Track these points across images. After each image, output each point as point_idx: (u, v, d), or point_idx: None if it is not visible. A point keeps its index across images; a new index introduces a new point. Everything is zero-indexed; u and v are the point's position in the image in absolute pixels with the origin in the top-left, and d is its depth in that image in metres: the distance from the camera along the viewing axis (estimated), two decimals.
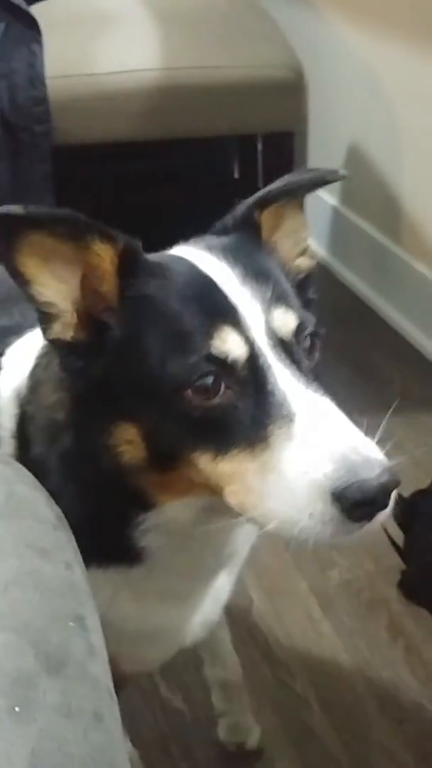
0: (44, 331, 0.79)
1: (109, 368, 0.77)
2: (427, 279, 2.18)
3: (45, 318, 0.78)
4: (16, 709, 0.54)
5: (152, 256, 0.81)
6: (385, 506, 0.71)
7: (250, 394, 0.74)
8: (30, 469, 0.84)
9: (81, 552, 0.84)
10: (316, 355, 0.80)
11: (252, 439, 0.73)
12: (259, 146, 2.14)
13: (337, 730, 1.37)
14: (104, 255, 0.76)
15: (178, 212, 2.43)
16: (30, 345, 0.93)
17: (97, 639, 0.66)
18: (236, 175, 2.41)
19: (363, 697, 1.42)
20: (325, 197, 2.62)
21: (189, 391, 0.73)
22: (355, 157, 2.43)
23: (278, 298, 0.78)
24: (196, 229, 3.01)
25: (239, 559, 0.98)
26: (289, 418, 0.72)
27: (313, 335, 0.80)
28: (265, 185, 2.24)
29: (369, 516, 0.71)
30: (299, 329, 0.78)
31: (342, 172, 0.93)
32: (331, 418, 0.73)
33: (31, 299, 0.77)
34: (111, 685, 0.66)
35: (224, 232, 0.87)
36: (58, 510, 0.75)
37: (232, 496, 0.75)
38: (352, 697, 1.42)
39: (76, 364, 0.79)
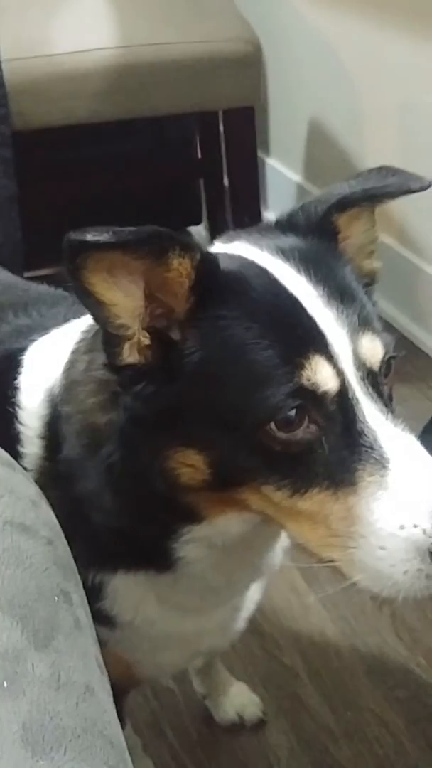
0: (112, 357, 0.72)
1: (182, 395, 0.71)
2: (390, 249, 2.19)
3: (114, 342, 0.71)
4: (5, 684, 0.54)
5: (225, 262, 0.72)
6: None
7: (336, 430, 0.69)
8: (60, 469, 0.82)
9: (111, 557, 0.84)
10: (391, 377, 0.75)
11: (337, 480, 0.69)
12: (221, 126, 2.13)
13: (327, 699, 1.38)
14: (180, 269, 0.69)
15: (142, 195, 2.42)
16: (57, 343, 0.88)
17: (84, 613, 0.66)
18: (199, 155, 2.40)
19: (351, 665, 1.43)
20: (288, 173, 2.62)
21: (271, 425, 0.68)
22: (317, 132, 2.43)
23: (365, 323, 0.72)
24: (162, 212, 2.99)
25: (271, 570, 0.95)
26: (381, 464, 0.68)
27: (392, 358, 0.74)
28: (228, 164, 2.23)
29: None
30: (384, 357, 0.73)
31: (427, 179, 0.83)
32: (424, 465, 0.68)
33: (102, 321, 0.70)
34: (100, 657, 0.66)
35: (293, 229, 0.79)
36: (37, 488, 0.74)
37: (304, 535, 0.72)
38: (341, 665, 1.43)
39: (146, 390, 0.72)
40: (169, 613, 0.88)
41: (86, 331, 0.84)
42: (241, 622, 0.98)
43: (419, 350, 2.13)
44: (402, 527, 0.66)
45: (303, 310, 0.70)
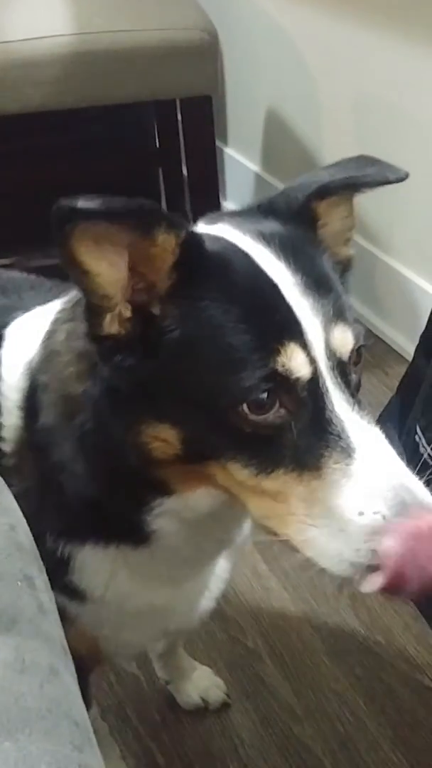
0: (93, 327, 0.73)
1: (159, 371, 0.73)
2: None
3: (96, 312, 0.72)
4: None
5: (209, 243, 0.73)
6: None
7: (305, 416, 0.71)
8: (36, 438, 0.84)
9: (82, 527, 0.85)
10: (360, 367, 0.77)
11: (302, 463, 0.70)
12: (179, 115, 2.13)
13: (289, 679, 1.41)
14: (166, 245, 0.69)
15: (100, 184, 2.41)
16: (38, 319, 0.89)
17: (47, 598, 0.67)
18: (157, 145, 2.39)
19: (312, 645, 1.46)
20: (247, 163, 2.63)
21: (244, 406, 0.70)
22: (274, 121, 2.44)
23: (339, 314, 0.74)
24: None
25: (236, 547, 0.97)
26: (347, 453, 0.69)
27: (362, 348, 0.76)
28: (186, 153, 2.23)
29: None
30: (354, 347, 0.74)
31: (404, 171, 0.85)
32: (386, 455, 0.70)
33: (86, 291, 0.71)
34: (64, 641, 0.66)
35: (273, 214, 0.80)
36: None
37: (262, 511, 0.74)
38: (302, 646, 1.46)
39: (124, 362, 0.73)
40: (141, 587, 0.89)
41: (67, 302, 0.86)
42: (209, 601, 1.00)
43: (376, 338, 2.16)
44: (361, 513, 0.68)
45: (282, 297, 0.72)
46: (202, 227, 0.79)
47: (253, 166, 2.60)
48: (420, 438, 1.44)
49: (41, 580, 0.67)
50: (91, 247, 0.68)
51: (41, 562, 0.70)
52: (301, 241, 0.78)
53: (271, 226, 0.78)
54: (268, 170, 2.55)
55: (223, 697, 1.36)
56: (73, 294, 0.84)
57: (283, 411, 0.70)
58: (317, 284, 0.73)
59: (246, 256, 0.74)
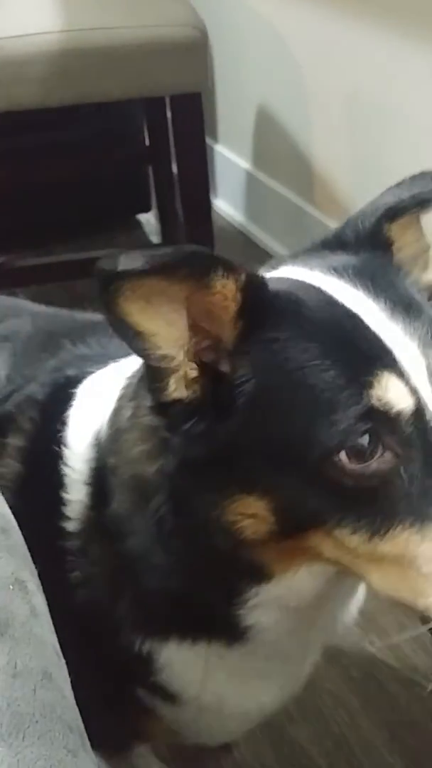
0: (157, 393, 0.65)
1: (237, 432, 0.64)
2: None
3: (157, 376, 0.64)
4: None
5: (273, 283, 0.66)
6: None
7: (416, 457, 0.61)
8: (107, 524, 0.75)
9: (165, 622, 0.75)
10: None
11: (423, 515, 0.61)
12: (168, 112, 2.12)
13: None
14: (225, 291, 0.62)
15: (90, 182, 2.40)
16: (112, 379, 0.80)
17: (40, 601, 0.65)
18: (147, 142, 2.39)
19: None
20: (238, 161, 2.62)
21: (341, 455, 0.60)
22: (264, 118, 2.43)
23: None
24: (111, 199, 2.95)
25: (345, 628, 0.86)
26: None
27: None
28: (176, 151, 2.22)
29: None
30: None
31: None
32: None
33: (143, 354, 0.63)
34: (57, 645, 0.65)
35: (341, 246, 0.73)
36: None
37: (389, 583, 0.64)
38: None
39: (196, 428, 0.64)
40: (242, 687, 0.80)
41: (132, 377, 0.77)
42: (298, 688, 0.90)
43: None
44: None
45: (365, 325, 0.63)
46: (264, 273, 0.72)
47: (244, 164, 2.59)
48: None
49: (33, 583, 0.66)
50: (143, 306, 0.60)
51: (33, 566, 0.69)
52: (378, 267, 0.70)
53: (342, 258, 0.70)
54: (259, 167, 2.54)
55: None
56: (138, 367, 0.75)
57: (388, 455, 0.61)
58: (405, 308, 0.65)
59: (318, 291, 0.66)
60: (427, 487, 0.61)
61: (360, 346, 0.63)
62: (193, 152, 1.88)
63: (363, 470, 0.60)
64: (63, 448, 0.79)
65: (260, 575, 0.68)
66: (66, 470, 0.79)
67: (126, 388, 0.77)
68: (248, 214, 2.61)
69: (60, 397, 0.83)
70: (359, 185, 2.13)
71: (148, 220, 2.62)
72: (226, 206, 2.70)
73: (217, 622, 0.73)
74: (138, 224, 2.66)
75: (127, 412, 0.75)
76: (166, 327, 0.62)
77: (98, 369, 0.84)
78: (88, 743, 0.57)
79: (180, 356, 0.63)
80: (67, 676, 0.63)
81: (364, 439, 0.60)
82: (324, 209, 2.26)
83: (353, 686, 1.39)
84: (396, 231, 0.73)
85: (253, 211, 2.59)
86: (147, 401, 0.69)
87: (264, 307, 0.64)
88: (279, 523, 0.64)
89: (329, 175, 2.23)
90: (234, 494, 0.64)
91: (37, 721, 0.53)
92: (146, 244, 2.53)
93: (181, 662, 0.77)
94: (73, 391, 0.83)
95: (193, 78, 1.75)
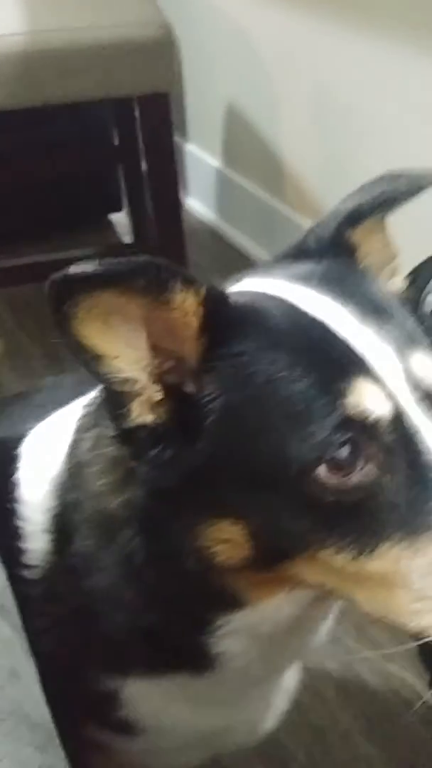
0: (120, 420, 0.60)
1: (207, 454, 0.60)
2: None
3: (119, 401, 0.60)
4: None
5: (234, 296, 0.63)
6: None
7: (399, 466, 0.57)
8: (72, 564, 0.71)
9: (130, 659, 0.72)
10: None
11: (411, 528, 0.57)
12: (137, 111, 2.12)
13: None
14: (186, 307, 0.58)
15: (61, 183, 2.39)
16: (58, 425, 0.76)
17: (7, 599, 0.66)
18: (117, 142, 2.38)
19: None
20: (208, 159, 2.63)
21: (320, 470, 0.56)
22: (234, 117, 2.44)
23: (413, 339, 0.62)
24: (83, 200, 2.93)
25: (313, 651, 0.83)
26: None
27: None
28: (145, 150, 2.21)
29: None
30: None
31: None
32: None
33: (103, 379, 0.59)
34: (25, 645, 0.66)
35: (305, 255, 0.70)
36: None
37: (379, 604, 0.60)
38: None
39: (164, 455, 0.60)
40: (199, 713, 0.77)
41: (89, 405, 0.73)
42: (272, 718, 0.87)
43: None
44: None
45: (334, 332, 0.60)
46: (227, 287, 0.69)
47: (215, 162, 2.60)
48: None
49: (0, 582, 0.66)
50: (100, 327, 0.56)
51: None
52: (344, 272, 0.67)
53: (306, 266, 0.67)
54: (229, 166, 2.55)
55: None
56: (95, 395, 0.72)
57: (370, 466, 0.57)
58: (376, 312, 0.62)
59: (281, 300, 0.63)
60: (413, 497, 0.57)
61: (330, 353, 0.59)
62: (161, 152, 1.88)
63: (344, 484, 0.56)
64: (16, 505, 0.75)
65: (234, 603, 0.65)
66: (22, 524, 0.75)
67: (84, 417, 0.73)
68: (220, 212, 2.61)
69: (1, 458, 0.78)
70: (329, 182, 2.14)
71: (120, 220, 2.61)
72: (198, 205, 2.71)
73: (184, 653, 0.70)
74: (110, 224, 2.65)
75: (88, 444, 0.71)
76: (126, 348, 0.58)
77: (37, 423, 0.80)
78: (57, 740, 0.58)
79: (142, 379, 0.60)
80: (36, 674, 0.64)
81: (343, 451, 0.57)
82: (295, 206, 2.28)
83: (330, 678, 1.40)
84: (359, 236, 0.71)
85: (225, 210, 2.59)
86: (108, 430, 0.64)
87: (227, 321, 0.60)
88: (256, 549, 0.60)
89: (299, 172, 2.24)
90: (207, 519, 0.61)
91: (3, 719, 0.54)
92: (118, 245, 2.53)
93: (144, 695, 0.74)
94: (17, 449, 0.78)
95: (160, 78, 1.75)
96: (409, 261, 1.45)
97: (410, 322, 0.65)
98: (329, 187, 2.15)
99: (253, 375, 0.59)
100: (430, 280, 1.35)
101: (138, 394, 0.60)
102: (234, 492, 0.60)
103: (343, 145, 2.05)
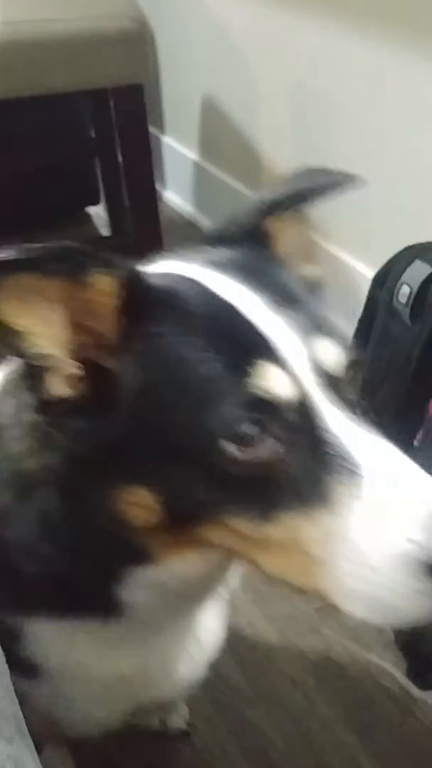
0: (38, 392, 0.64)
1: (123, 426, 0.63)
2: None
3: (38, 375, 0.63)
4: None
5: (153, 278, 0.67)
6: None
7: (300, 443, 0.62)
8: None
9: (37, 601, 0.75)
10: (359, 384, 0.68)
11: (308, 498, 0.61)
12: (111, 103, 2.11)
13: (242, 666, 1.41)
14: (104, 288, 0.62)
15: (38, 176, 2.38)
16: None
17: None
18: (93, 134, 2.37)
19: (263, 630, 1.47)
20: (185, 152, 2.62)
21: (226, 444, 0.61)
22: (211, 110, 2.44)
23: (319, 326, 0.66)
24: (60, 193, 2.92)
25: (219, 604, 0.89)
26: (353, 472, 0.60)
27: (357, 363, 0.68)
28: (121, 143, 2.20)
29: None
30: (345, 361, 0.66)
31: (358, 177, 0.79)
32: (404, 469, 0.60)
33: (20, 353, 0.62)
34: None
35: (223, 242, 0.73)
36: None
37: (279, 567, 0.64)
38: (254, 633, 1.46)
39: (81, 427, 0.64)
40: (104, 657, 0.80)
41: (13, 372, 0.76)
42: (194, 669, 0.90)
43: None
44: (391, 544, 0.58)
45: (245, 317, 0.64)
46: (144, 269, 0.72)
47: (192, 155, 2.59)
48: None
49: None
50: (19, 305, 0.60)
51: None
52: (257, 260, 0.71)
53: (223, 252, 0.71)
54: (206, 158, 2.55)
55: (183, 726, 1.31)
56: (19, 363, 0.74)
57: (273, 442, 0.61)
58: (285, 299, 0.66)
59: (198, 284, 0.67)
60: (311, 472, 0.61)
61: (240, 337, 0.63)
62: (137, 144, 1.88)
63: (249, 458, 0.61)
64: None
65: (146, 559, 0.69)
66: None
67: (7, 384, 0.76)
68: (197, 204, 2.61)
69: None
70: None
71: (98, 212, 2.60)
72: (175, 197, 2.70)
73: (91, 599, 0.74)
74: (87, 217, 2.64)
75: (10, 409, 0.74)
76: (44, 326, 0.62)
77: None
78: (25, 730, 0.58)
79: (61, 355, 0.63)
80: (4, 665, 0.63)
81: (248, 428, 0.61)
82: None
83: (310, 668, 1.41)
84: (276, 227, 0.74)
85: (202, 202, 2.59)
86: (29, 398, 0.67)
87: (145, 303, 0.64)
88: (168, 513, 0.64)
89: (276, 165, 2.24)
90: (123, 485, 0.65)
91: None
92: (96, 237, 2.52)
93: (49, 634, 0.78)
94: None
95: (134, 70, 1.75)
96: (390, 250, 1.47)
97: (318, 310, 0.68)
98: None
99: (168, 354, 0.63)
100: (403, 271, 1.36)
101: (56, 369, 0.63)
102: (148, 462, 0.64)
103: (319, 138, 2.05)
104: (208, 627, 0.89)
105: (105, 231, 2.53)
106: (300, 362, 0.63)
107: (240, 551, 0.65)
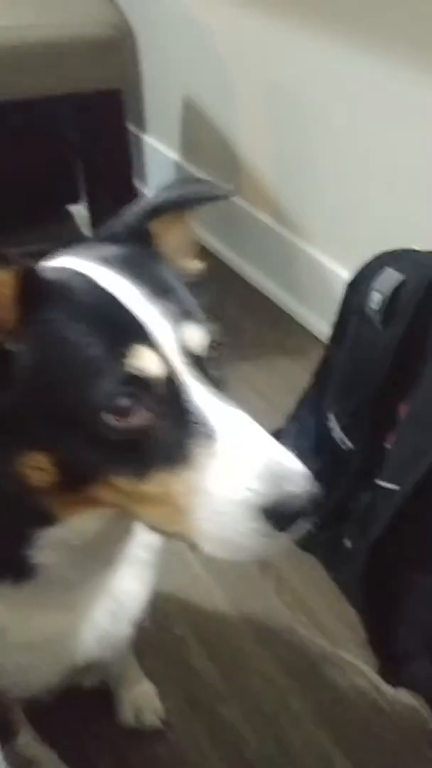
0: None
1: (20, 399, 0.73)
2: (267, 227, 2.25)
3: None
4: None
5: (48, 273, 0.77)
6: (312, 513, 0.72)
7: (168, 413, 0.73)
8: None
9: None
10: (222, 362, 0.79)
11: (174, 459, 0.72)
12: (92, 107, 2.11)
13: (216, 663, 1.44)
14: (3, 280, 0.73)
15: (20, 175, 2.39)
16: None
17: None
18: (75, 136, 2.38)
19: (238, 629, 1.50)
20: (167, 152, 2.64)
21: (106, 415, 0.71)
22: (191, 111, 2.45)
23: (186, 313, 0.77)
24: (42, 191, 2.91)
25: (139, 567, 0.97)
26: (209, 436, 0.71)
27: (219, 345, 0.79)
28: (100, 145, 2.20)
29: (298, 524, 0.72)
30: (209, 343, 0.77)
31: (232, 188, 0.89)
32: (251, 432, 0.72)
33: None
34: None
35: (112, 239, 0.84)
36: None
37: (154, 517, 0.75)
38: (229, 630, 1.49)
39: None
40: (25, 618, 0.88)
41: None
42: (120, 627, 0.98)
43: (297, 324, 2.21)
44: (234, 491, 0.70)
45: (124, 306, 0.75)
46: (46, 263, 0.82)
47: (173, 155, 2.61)
48: (333, 425, 1.48)
49: None
50: None
51: None
52: (140, 257, 0.81)
53: (111, 249, 0.81)
54: (188, 159, 2.57)
55: (157, 723, 1.34)
56: None
57: (146, 413, 0.72)
58: (161, 291, 0.77)
59: (86, 278, 0.77)
60: (177, 437, 0.72)
61: (120, 323, 0.74)
62: (115, 147, 1.90)
63: (125, 426, 0.71)
64: None
65: (49, 520, 0.79)
66: None
67: None
68: None
69: None
70: (282, 176, 2.17)
71: (79, 210, 2.61)
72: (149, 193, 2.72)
73: (4, 563, 0.82)
74: (69, 215, 2.65)
75: None
76: None
77: None
78: None
79: None
80: None
81: (124, 401, 0.71)
82: (250, 199, 2.30)
83: (282, 665, 1.44)
84: (157, 227, 0.84)
85: None
86: None
87: (39, 294, 0.74)
88: (62, 475, 0.74)
89: (254, 166, 2.26)
90: (22, 450, 0.74)
91: None
92: (77, 235, 2.54)
93: None
94: None
95: (112, 75, 1.76)
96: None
97: (188, 299, 0.80)
98: (282, 180, 2.17)
99: (57, 338, 0.73)
100: (375, 278, 1.39)
101: None
102: (42, 430, 0.74)
103: (295, 139, 2.07)
104: (128, 588, 0.97)
105: (86, 229, 2.54)
106: (169, 344, 0.74)
107: (124, 506, 0.76)
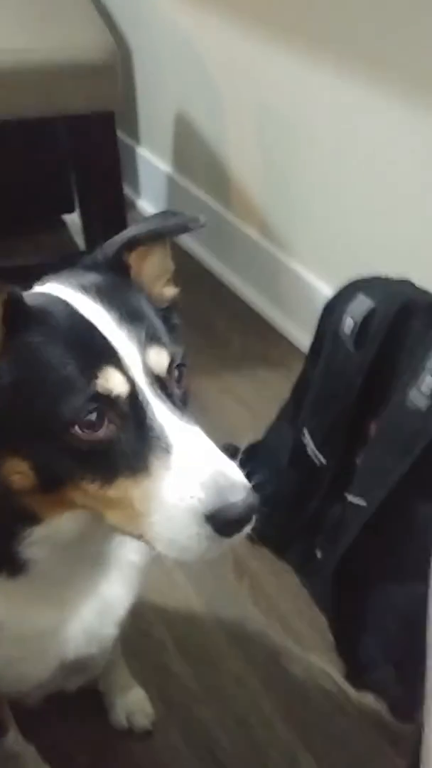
0: None
1: (1, 412, 0.82)
2: (254, 242, 2.31)
3: None
4: None
5: (32, 300, 0.85)
6: (250, 521, 0.80)
7: (131, 427, 0.80)
8: None
9: None
10: (185, 381, 0.87)
11: (135, 468, 0.80)
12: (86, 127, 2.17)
13: (192, 666, 1.50)
14: None
15: (14, 184, 2.45)
16: None
17: None
18: (69, 155, 2.45)
19: (214, 633, 1.56)
20: (160, 165, 2.69)
21: (77, 427, 0.79)
22: (183, 126, 2.51)
23: (152, 338, 0.84)
24: (35, 200, 2.95)
25: (128, 571, 1.04)
26: (166, 449, 0.79)
27: (181, 366, 0.87)
28: (92, 163, 2.24)
29: (237, 530, 0.80)
30: (171, 365, 0.85)
31: (202, 219, 0.95)
32: (202, 448, 0.80)
33: None
34: None
35: (94, 268, 0.91)
36: None
37: (118, 519, 0.83)
38: (204, 635, 1.56)
39: None
40: (19, 612, 0.96)
41: None
42: (109, 627, 1.06)
43: (281, 336, 2.27)
44: (182, 499, 0.78)
45: (97, 331, 0.83)
46: (35, 288, 0.90)
47: (165, 167, 2.67)
48: (308, 441, 1.55)
49: None
50: None
51: None
52: (115, 286, 0.89)
53: (91, 277, 0.89)
54: (180, 172, 2.62)
55: (147, 726, 1.41)
56: None
57: (111, 426, 0.80)
58: (131, 317, 0.85)
59: (65, 304, 0.85)
60: (138, 449, 0.80)
61: (92, 346, 0.82)
62: (108, 164, 1.95)
63: (93, 438, 0.80)
64: None
65: (32, 519, 0.87)
66: None
67: None
68: None
69: None
70: (271, 192, 2.23)
71: (73, 220, 2.67)
72: (149, 207, 2.78)
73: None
74: (63, 225, 2.71)
75: None
76: None
77: None
78: None
79: None
80: None
81: (92, 416, 0.79)
82: (239, 215, 2.36)
83: (255, 669, 1.50)
84: (134, 258, 0.92)
85: (173, 209, 2.66)
86: None
87: (21, 318, 0.82)
88: (39, 479, 0.83)
89: (243, 182, 2.32)
90: (4, 456, 0.83)
91: None
92: (71, 245, 2.60)
93: None
94: None
95: (105, 98, 1.81)
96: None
97: (156, 324, 0.87)
98: (271, 197, 2.23)
99: (36, 359, 0.81)
100: (348, 303, 1.46)
101: None
102: (21, 439, 0.82)
103: (283, 157, 2.13)
104: (116, 590, 1.04)
105: (80, 239, 2.60)
106: (134, 365, 0.82)
107: (93, 508, 0.84)
